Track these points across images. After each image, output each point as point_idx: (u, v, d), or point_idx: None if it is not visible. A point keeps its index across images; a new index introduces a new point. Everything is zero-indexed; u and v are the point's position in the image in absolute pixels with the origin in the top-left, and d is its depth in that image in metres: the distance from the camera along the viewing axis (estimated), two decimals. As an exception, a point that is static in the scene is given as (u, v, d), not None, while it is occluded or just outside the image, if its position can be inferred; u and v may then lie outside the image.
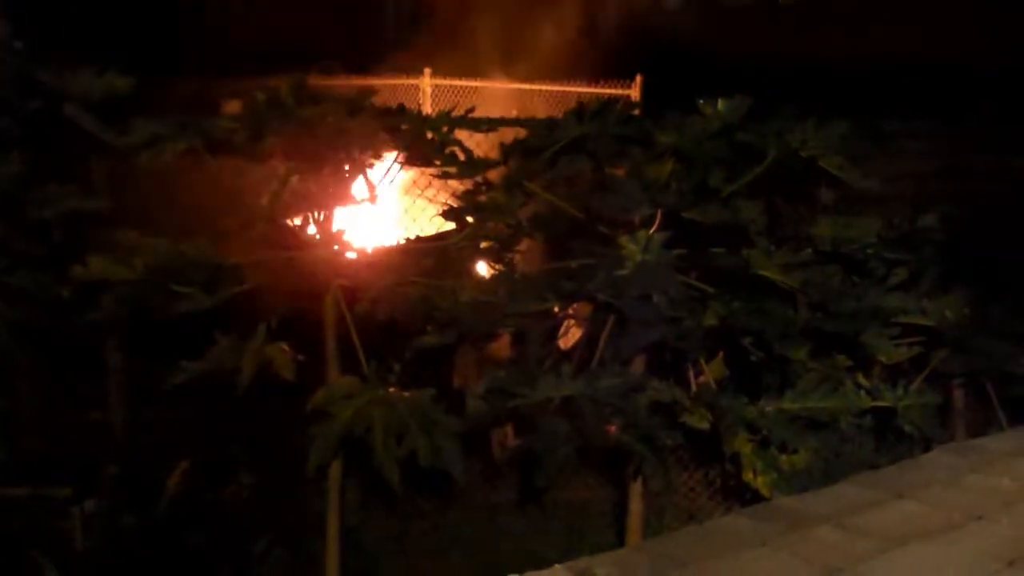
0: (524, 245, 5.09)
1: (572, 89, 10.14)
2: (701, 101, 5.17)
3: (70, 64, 5.06)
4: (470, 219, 4.89)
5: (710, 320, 4.75)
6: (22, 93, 4.96)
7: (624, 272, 4.60)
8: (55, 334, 4.63)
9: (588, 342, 4.91)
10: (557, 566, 3.24)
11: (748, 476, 4.80)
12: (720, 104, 5.14)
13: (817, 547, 3.59)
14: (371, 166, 4.54)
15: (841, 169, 5.09)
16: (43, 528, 4.34)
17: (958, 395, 5.78)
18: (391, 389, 4.21)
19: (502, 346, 5.22)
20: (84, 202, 4.77)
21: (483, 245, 4.86)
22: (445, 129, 4.68)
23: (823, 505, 3.98)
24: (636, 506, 4.93)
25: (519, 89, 10.39)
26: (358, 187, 4.51)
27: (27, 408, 4.94)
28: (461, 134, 4.79)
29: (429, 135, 4.67)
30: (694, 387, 4.83)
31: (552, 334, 5.16)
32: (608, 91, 9.89)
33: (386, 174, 4.64)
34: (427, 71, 10.25)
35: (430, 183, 6.34)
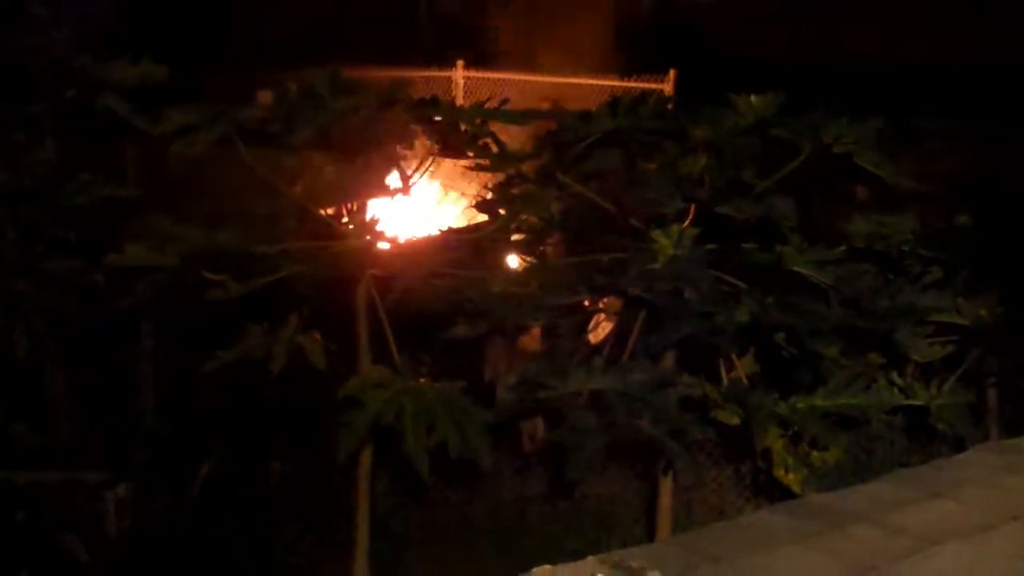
0: (555, 238, 5.08)
1: (606, 83, 10.09)
2: (735, 96, 5.14)
3: (106, 52, 5.09)
4: (502, 211, 4.88)
5: (742, 316, 4.71)
6: (58, 81, 4.99)
7: (656, 267, 4.59)
8: (88, 320, 4.66)
9: (619, 336, 4.89)
10: (590, 558, 3.22)
11: (779, 472, 4.77)
12: (754, 99, 5.11)
13: (852, 545, 3.56)
14: (404, 157, 4.54)
15: (876, 166, 5.05)
16: (76, 512, 4.37)
17: (992, 394, 5.72)
18: (422, 380, 4.21)
19: (532, 339, 5.21)
20: (118, 190, 4.81)
21: (515, 237, 4.85)
22: (479, 121, 4.67)
23: (858, 503, 3.93)
24: (665, 501, 4.92)
25: (552, 82, 10.34)
26: (391, 178, 4.50)
27: (60, 393, 4.98)
28: (495, 126, 4.78)
29: (462, 127, 4.66)
30: (725, 383, 4.80)
31: (583, 327, 5.14)
32: (642, 85, 9.84)
33: (420, 165, 4.64)
34: (460, 63, 10.24)
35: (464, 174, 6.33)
